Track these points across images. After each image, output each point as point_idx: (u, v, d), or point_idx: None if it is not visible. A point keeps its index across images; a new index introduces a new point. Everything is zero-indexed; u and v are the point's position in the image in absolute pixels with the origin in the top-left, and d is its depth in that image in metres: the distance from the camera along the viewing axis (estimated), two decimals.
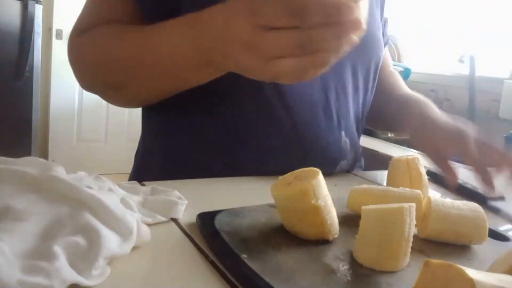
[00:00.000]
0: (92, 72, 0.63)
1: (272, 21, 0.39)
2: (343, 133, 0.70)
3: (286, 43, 0.39)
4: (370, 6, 0.73)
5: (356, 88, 0.73)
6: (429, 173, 0.76)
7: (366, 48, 0.72)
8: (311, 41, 0.39)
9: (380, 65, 0.79)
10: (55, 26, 2.86)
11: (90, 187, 0.41)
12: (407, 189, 0.49)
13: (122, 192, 0.48)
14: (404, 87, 0.89)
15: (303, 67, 0.40)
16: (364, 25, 0.39)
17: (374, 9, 0.76)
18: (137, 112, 0.77)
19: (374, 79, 0.78)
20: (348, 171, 0.77)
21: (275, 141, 0.65)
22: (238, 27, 0.41)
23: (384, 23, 0.87)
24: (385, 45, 0.89)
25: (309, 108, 0.66)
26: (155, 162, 0.70)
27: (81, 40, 0.63)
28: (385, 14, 0.88)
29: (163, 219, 0.46)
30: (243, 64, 0.44)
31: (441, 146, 0.66)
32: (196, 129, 0.66)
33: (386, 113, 0.84)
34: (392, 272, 0.38)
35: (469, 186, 0.71)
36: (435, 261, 0.31)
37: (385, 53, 0.94)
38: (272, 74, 0.42)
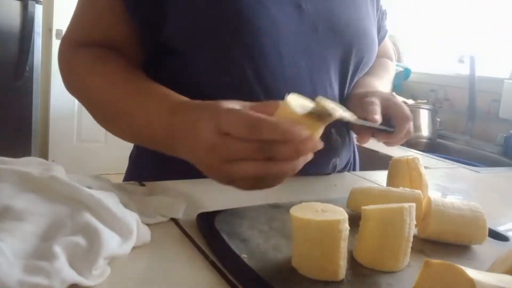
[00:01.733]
0: (78, 95, 0.66)
1: (232, 130, 0.42)
2: (333, 130, 0.70)
3: (244, 148, 0.42)
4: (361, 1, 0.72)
5: (343, 84, 0.72)
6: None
7: (356, 44, 0.71)
8: (269, 151, 0.41)
9: (373, 58, 0.77)
10: (55, 26, 2.86)
11: (90, 187, 0.41)
12: (407, 189, 0.49)
13: (122, 192, 0.48)
14: (378, 73, 0.86)
15: (260, 173, 0.42)
16: (319, 146, 0.43)
17: (367, 2, 0.75)
18: None
19: (360, 66, 0.76)
20: (348, 170, 0.77)
21: None
22: (204, 128, 0.44)
23: (382, 16, 0.86)
24: (383, 37, 0.88)
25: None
26: (149, 162, 0.70)
27: (78, 57, 0.63)
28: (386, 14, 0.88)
29: (163, 219, 0.46)
30: (203, 162, 0.46)
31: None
32: None
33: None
34: (392, 272, 0.38)
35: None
36: (435, 261, 0.31)
37: (386, 44, 0.93)
38: (228, 175, 0.44)
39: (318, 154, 0.70)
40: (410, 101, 1.78)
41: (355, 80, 0.76)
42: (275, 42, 0.61)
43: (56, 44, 2.86)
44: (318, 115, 0.41)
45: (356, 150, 0.82)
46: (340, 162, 0.73)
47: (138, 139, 0.62)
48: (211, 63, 0.62)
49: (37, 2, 2.37)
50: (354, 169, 0.81)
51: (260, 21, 0.60)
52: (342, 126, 0.72)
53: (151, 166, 0.70)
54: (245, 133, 0.41)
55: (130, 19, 0.61)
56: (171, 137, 0.51)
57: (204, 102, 0.49)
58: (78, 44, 0.64)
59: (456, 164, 1.09)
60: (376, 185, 0.70)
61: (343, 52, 0.69)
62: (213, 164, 0.44)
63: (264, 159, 0.42)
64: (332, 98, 0.70)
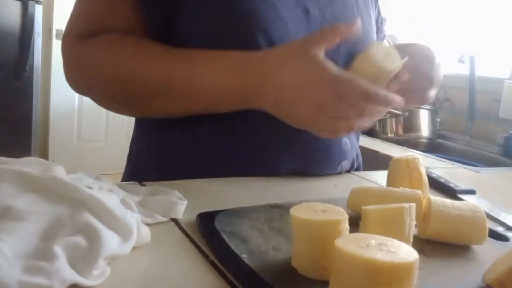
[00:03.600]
0: (103, 83, 0.61)
1: (348, 97, 0.50)
2: None
3: (351, 110, 0.51)
4: (362, 5, 0.73)
5: None
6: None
7: (359, 49, 0.72)
8: (367, 114, 0.53)
9: None
10: (55, 26, 2.86)
11: (90, 187, 0.41)
12: (407, 189, 0.49)
13: (122, 192, 0.48)
14: None
15: (355, 127, 0.54)
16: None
17: (368, 7, 0.76)
18: None
19: None
20: (348, 171, 0.77)
21: (277, 143, 0.65)
22: (316, 93, 0.51)
23: (381, 21, 0.88)
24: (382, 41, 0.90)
25: None
26: (150, 161, 0.69)
27: (90, 47, 0.60)
28: (386, 14, 0.89)
29: (163, 219, 0.46)
30: (302, 115, 0.53)
31: None
32: (195, 129, 0.65)
33: None
34: None
35: (442, 180, 0.75)
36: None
37: None
38: (326, 128, 0.54)
39: (329, 157, 0.71)
40: None
41: None
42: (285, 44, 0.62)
43: (56, 44, 2.86)
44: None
45: (359, 152, 0.82)
46: (347, 164, 0.74)
47: (196, 106, 0.60)
48: None
49: (37, 2, 2.38)
50: (357, 170, 0.81)
51: (273, 24, 0.60)
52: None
53: (151, 166, 0.69)
54: (357, 100, 0.50)
55: (141, 10, 0.60)
56: (247, 96, 0.55)
57: (282, 56, 0.54)
58: (84, 37, 0.61)
59: (456, 164, 1.08)
60: (376, 185, 0.70)
61: (347, 56, 0.70)
62: (315, 118, 0.52)
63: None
64: None
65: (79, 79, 0.63)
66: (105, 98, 0.64)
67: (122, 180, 0.71)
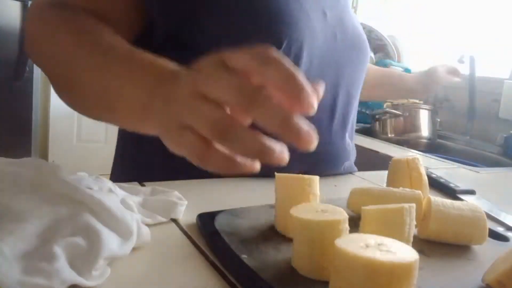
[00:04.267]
0: (44, 56, 0.55)
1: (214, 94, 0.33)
2: (346, 135, 0.72)
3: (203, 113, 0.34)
4: (348, 5, 0.75)
5: (357, 91, 0.75)
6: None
7: (364, 51, 0.74)
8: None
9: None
10: None
11: (90, 188, 0.41)
12: (407, 189, 0.49)
13: (122, 193, 0.48)
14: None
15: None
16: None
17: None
18: None
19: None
20: (350, 172, 0.77)
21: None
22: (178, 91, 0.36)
23: None
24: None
25: (317, 112, 0.66)
26: (150, 167, 0.68)
27: (46, 15, 0.54)
28: (386, 14, 0.90)
29: (163, 219, 0.46)
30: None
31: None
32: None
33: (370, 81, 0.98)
34: None
35: (442, 180, 0.75)
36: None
37: None
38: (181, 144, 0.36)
39: (334, 158, 0.72)
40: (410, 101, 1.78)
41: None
42: (311, 48, 0.62)
43: None
44: None
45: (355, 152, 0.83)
46: (349, 164, 0.75)
47: (98, 107, 0.49)
48: None
49: None
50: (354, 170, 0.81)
51: (301, 25, 0.59)
52: (351, 130, 0.75)
53: (150, 167, 0.69)
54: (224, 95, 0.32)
55: (142, 10, 0.57)
56: (147, 108, 0.40)
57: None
58: (57, 4, 0.54)
59: (456, 164, 1.08)
60: (376, 185, 0.70)
61: (355, 59, 0.72)
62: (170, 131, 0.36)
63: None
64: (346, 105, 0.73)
65: (31, 49, 0.56)
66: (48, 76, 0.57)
67: (111, 179, 0.70)
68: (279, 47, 0.58)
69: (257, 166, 0.33)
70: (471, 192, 0.71)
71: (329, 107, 0.69)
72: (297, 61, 0.60)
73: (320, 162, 0.68)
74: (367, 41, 0.76)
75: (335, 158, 0.71)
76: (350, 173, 0.77)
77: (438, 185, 0.74)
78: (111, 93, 0.44)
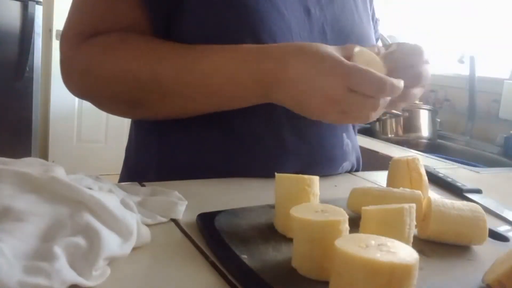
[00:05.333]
0: (106, 86, 0.59)
1: (362, 89, 0.49)
2: (344, 135, 0.71)
3: (366, 103, 0.51)
4: (360, 5, 0.74)
5: None
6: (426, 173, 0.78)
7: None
8: (381, 106, 0.52)
9: None
10: (55, 27, 2.86)
11: (90, 188, 0.41)
12: (407, 189, 0.49)
13: (122, 193, 0.48)
14: None
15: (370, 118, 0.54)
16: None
17: (366, 6, 0.76)
18: None
19: None
20: (351, 171, 0.77)
21: (279, 146, 0.65)
22: (331, 83, 0.50)
23: (376, 22, 0.88)
24: (376, 41, 0.90)
25: None
26: (150, 168, 0.68)
27: (90, 47, 0.58)
28: (386, 14, 0.89)
29: (163, 219, 0.46)
30: (318, 110, 0.53)
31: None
32: (195, 132, 0.65)
33: None
34: None
35: (449, 179, 0.75)
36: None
37: None
38: (342, 120, 0.54)
39: (331, 159, 0.72)
40: None
41: None
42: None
43: (56, 44, 2.86)
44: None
45: (359, 154, 0.83)
46: (348, 165, 0.74)
47: (209, 103, 0.59)
48: None
49: (37, 3, 2.38)
50: (357, 171, 0.81)
51: (276, 24, 0.60)
52: (351, 131, 0.74)
53: (151, 168, 0.69)
54: (373, 92, 0.50)
55: (144, 8, 0.58)
56: (263, 85, 0.54)
57: (298, 48, 0.53)
58: (85, 36, 0.59)
59: (456, 165, 1.08)
60: (376, 186, 0.70)
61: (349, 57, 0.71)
62: (331, 113, 0.52)
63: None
64: None
65: (79, 82, 0.61)
66: (107, 101, 0.62)
67: (120, 181, 0.71)
68: (256, 40, 0.58)
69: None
70: (478, 191, 0.71)
71: None
72: None
73: (315, 163, 0.68)
74: (372, 39, 0.75)
75: (331, 159, 0.70)
76: (350, 173, 0.77)
77: (445, 184, 0.74)
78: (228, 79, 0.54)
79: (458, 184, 0.73)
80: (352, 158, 0.75)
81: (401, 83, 0.51)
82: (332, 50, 0.52)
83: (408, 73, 0.58)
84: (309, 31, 0.64)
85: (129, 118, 0.67)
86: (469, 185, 0.72)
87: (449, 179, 0.75)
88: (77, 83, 0.62)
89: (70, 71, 0.61)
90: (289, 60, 0.52)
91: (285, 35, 0.61)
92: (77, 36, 0.60)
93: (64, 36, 0.61)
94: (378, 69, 0.52)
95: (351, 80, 0.49)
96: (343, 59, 0.51)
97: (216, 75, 0.55)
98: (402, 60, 0.59)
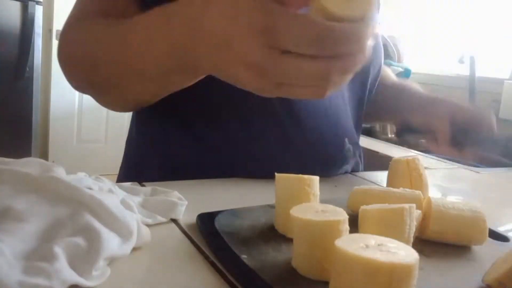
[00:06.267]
0: (79, 70, 0.59)
1: (293, 46, 0.33)
2: (346, 140, 0.71)
3: (308, 72, 0.34)
4: None
5: (355, 93, 0.74)
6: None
7: (372, 57, 0.73)
8: (329, 73, 0.34)
9: (381, 66, 0.79)
10: (55, 27, 2.86)
11: (90, 188, 0.41)
12: (407, 189, 0.49)
13: (122, 193, 0.48)
14: (392, 76, 0.91)
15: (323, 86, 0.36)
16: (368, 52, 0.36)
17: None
18: None
19: (376, 79, 0.79)
20: (351, 172, 0.77)
21: (277, 149, 0.65)
22: (242, 44, 0.35)
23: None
24: None
25: (313, 117, 0.66)
26: (150, 167, 0.68)
27: (71, 34, 0.60)
28: (386, 14, 0.89)
29: (163, 219, 0.46)
30: (240, 79, 0.38)
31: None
32: (196, 137, 0.65)
33: (380, 101, 0.86)
34: None
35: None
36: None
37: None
38: (277, 94, 0.37)
39: (330, 163, 0.71)
40: None
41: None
42: None
43: (56, 45, 2.85)
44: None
45: (361, 155, 0.82)
46: (348, 168, 0.74)
47: (140, 80, 0.51)
48: None
49: (37, 3, 2.38)
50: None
51: None
52: (353, 134, 0.74)
53: (151, 168, 0.69)
54: (314, 50, 0.33)
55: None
56: (174, 54, 0.43)
57: None
58: (79, 20, 0.61)
59: (456, 165, 1.08)
60: (376, 186, 0.70)
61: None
62: (264, 87, 0.37)
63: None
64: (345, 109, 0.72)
65: (65, 60, 0.62)
66: (82, 82, 0.62)
67: (117, 181, 0.70)
68: None
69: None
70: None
71: (322, 110, 0.68)
72: None
73: (315, 167, 0.68)
74: (379, 46, 0.74)
75: (331, 164, 0.70)
76: (350, 173, 0.77)
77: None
78: (139, 53, 0.47)
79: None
80: (352, 161, 0.75)
81: (359, 31, 0.33)
82: None
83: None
84: None
85: (111, 108, 0.64)
86: (463, 187, 0.69)
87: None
88: (64, 71, 0.62)
89: (60, 60, 0.62)
90: (199, 16, 0.39)
91: None
92: (68, 24, 0.62)
93: (67, 20, 0.63)
94: (359, 4, 0.34)
95: (277, 36, 0.33)
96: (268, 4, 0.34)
97: (136, 47, 0.48)
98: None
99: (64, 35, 0.62)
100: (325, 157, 0.69)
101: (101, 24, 0.58)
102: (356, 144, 0.76)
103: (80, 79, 0.61)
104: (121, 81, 0.55)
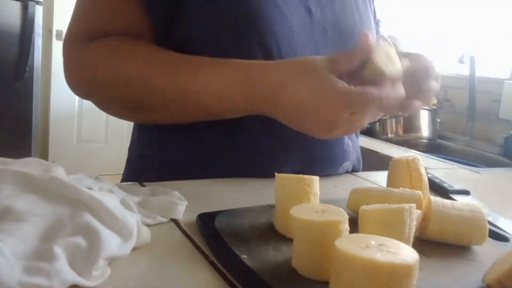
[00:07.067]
0: (103, 87, 0.60)
1: (362, 110, 0.52)
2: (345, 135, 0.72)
3: (365, 120, 0.54)
4: (361, 5, 0.73)
5: None
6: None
7: None
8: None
9: None
10: (55, 27, 2.86)
11: (90, 188, 0.41)
12: (407, 189, 0.49)
13: (122, 193, 0.48)
14: None
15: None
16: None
17: (367, 7, 0.76)
18: None
19: None
20: (351, 172, 0.77)
21: (278, 147, 0.65)
22: (329, 114, 0.50)
23: (377, 22, 0.88)
24: None
25: None
26: (151, 168, 0.68)
27: (92, 49, 0.59)
28: (386, 14, 0.89)
29: (163, 220, 0.46)
30: (310, 131, 0.54)
31: None
32: (196, 133, 0.65)
33: None
34: None
35: (436, 180, 0.74)
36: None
37: None
38: (338, 135, 0.55)
39: (331, 159, 0.72)
40: None
41: None
42: (292, 46, 0.61)
43: (56, 45, 2.86)
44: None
45: (360, 154, 0.83)
46: (348, 165, 0.74)
47: (199, 114, 0.60)
48: None
49: (37, 3, 2.38)
50: (357, 171, 0.81)
51: (277, 24, 0.60)
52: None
53: (152, 169, 0.69)
54: (371, 110, 0.52)
55: (146, 12, 0.59)
56: (253, 104, 0.54)
57: (295, 66, 0.53)
58: (88, 38, 0.60)
59: (456, 165, 1.09)
60: (376, 186, 0.70)
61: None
62: (327, 132, 0.52)
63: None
64: None
65: (80, 81, 0.62)
66: (105, 102, 0.63)
67: (122, 181, 0.70)
68: (254, 44, 0.59)
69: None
70: (465, 192, 0.71)
71: None
72: (280, 51, 0.60)
73: (316, 163, 0.68)
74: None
75: (332, 159, 0.71)
76: (350, 173, 0.77)
77: (432, 185, 0.73)
78: (210, 92, 0.55)
79: (445, 185, 0.72)
80: (352, 158, 0.75)
81: (400, 93, 0.52)
82: (330, 74, 0.50)
83: (415, 87, 0.59)
84: (310, 30, 0.64)
85: (129, 121, 0.68)
86: (461, 187, 0.72)
87: (436, 180, 0.74)
88: (79, 84, 0.63)
89: (72, 72, 0.62)
90: (283, 85, 0.52)
91: (287, 35, 0.61)
92: (79, 38, 0.61)
93: (67, 38, 0.62)
94: (395, 63, 0.52)
95: (351, 108, 0.50)
96: (341, 84, 0.50)
97: (205, 95, 0.55)
98: (411, 74, 0.58)
99: (85, 46, 0.60)
100: (326, 154, 0.69)
101: (144, 49, 0.58)
102: (354, 139, 0.76)
103: (104, 94, 0.62)
104: (171, 109, 0.59)
